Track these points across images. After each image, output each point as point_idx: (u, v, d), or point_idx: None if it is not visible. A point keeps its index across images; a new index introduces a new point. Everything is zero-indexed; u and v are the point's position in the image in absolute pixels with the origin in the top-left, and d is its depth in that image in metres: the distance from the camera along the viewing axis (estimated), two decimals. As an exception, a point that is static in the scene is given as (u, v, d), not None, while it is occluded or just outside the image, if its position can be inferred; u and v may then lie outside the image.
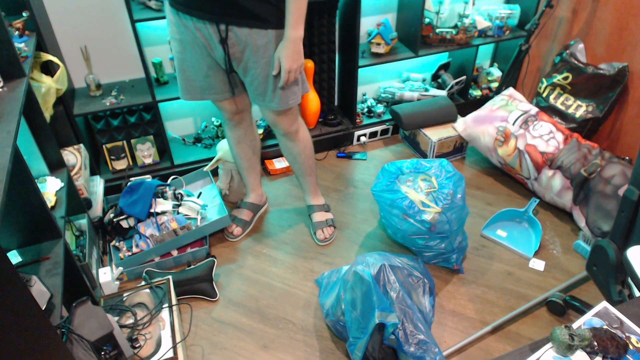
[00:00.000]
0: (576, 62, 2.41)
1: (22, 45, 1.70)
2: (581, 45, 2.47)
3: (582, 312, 1.69)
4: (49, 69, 1.91)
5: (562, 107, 2.48)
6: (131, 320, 1.58)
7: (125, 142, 2.34)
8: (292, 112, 1.83)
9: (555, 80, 2.50)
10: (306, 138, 1.98)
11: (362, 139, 2.77)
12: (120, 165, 2.37)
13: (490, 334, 1.76)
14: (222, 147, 2.23)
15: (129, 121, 2.30)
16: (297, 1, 1.49)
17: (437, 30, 2.60)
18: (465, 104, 2.90)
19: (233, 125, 1.97)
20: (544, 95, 2.55)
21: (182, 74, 1.74)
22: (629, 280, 1.47)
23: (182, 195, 2.16)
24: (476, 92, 2.96)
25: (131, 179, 2.30)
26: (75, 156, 2.03)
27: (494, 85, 2.98)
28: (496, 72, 2.97)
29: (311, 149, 2.02)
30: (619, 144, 2.40)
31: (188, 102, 2.45)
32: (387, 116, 2.81)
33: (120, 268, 1.92)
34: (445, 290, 1.93)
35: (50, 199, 1.65)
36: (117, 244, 2.06)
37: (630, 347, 0.96)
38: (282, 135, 1.92)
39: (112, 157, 2.35)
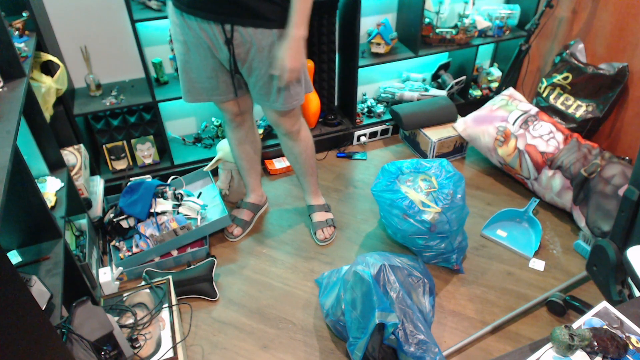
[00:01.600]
0: (576, 62, 2.41)
1: (22, 45, 1.70)
2: (581, 45, 2.47)
3: (582, 312, 1.69)
4: (49, 69, 1.91)
5: (562, 107, 2.48)
6: (131, 320, 1.57)
7: (125, 142, 2.34)
8: (294, 113, 1.83)
9: (555, 80, 2.50)
10: (307, 138, 1.97)
11: (362, 139, 2.77)
12: (120, 165, 2.37)
13: (490, 334, 1.76)
14: (222, 147, 2.23)
15: (129, 121, 2.30)
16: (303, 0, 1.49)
17: (437, 30, 2.60)
18: (465, 104, 2.90)
19: (235, 126, 1.97)
20: (544, 95, 2.55)
21: (185, 75, 1.73)
22: (629, 280, 1.47)
23: (182, 195, 2.16)
24: (476, 92, 2.96)
25: (131, 179, 2.30)
26: (75, 156, 2.03)
27: (494, 85, 2.98)
28: (496, 72, 2.97)
29: (312, 149, 2.02)
30: (619, 144, 2.41)
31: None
32: (387, 116, 2.81)
33: (120, 268, 1.92)
34: (445, 290, 1.93)
35: (50, 199, 1.65)
36: (117, 244, 2.06)
37: (630, 347, 0.96)
38: (283, 135, 1.92)
39: (112, 157, 2.35)
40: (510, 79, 2.72)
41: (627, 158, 2.13)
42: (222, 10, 1.50)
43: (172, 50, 2.33)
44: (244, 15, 1.50)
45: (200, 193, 2.26)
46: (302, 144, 1.96)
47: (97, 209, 2.09)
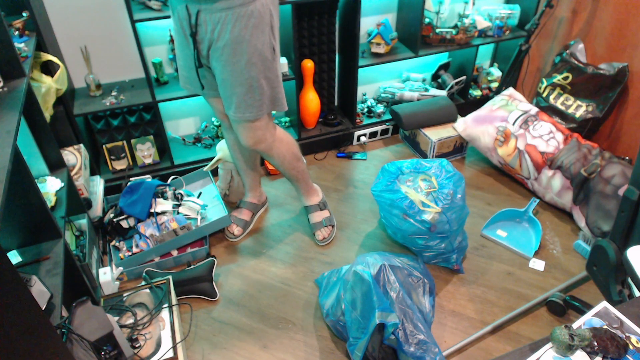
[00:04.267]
0: (576, 62, 2.41)
1: (22, 45, 1.70)
2: (581, 45, 2.47)
3: (582, 312, 1.69)
4: (49, 69, 1.91)
5: (562, 107, 2.48)
6: (131, 320, 1.58)
7: (125, 142, 2.34)
8: (254, 128, 1.72)
9: (555, 80, 2.50)
10: (281, 155, 1.88)
11: (362, 139, 2.77)
12: (120, 165, 2.37)
13: (490, 334, 1.76)
14: (222, 147, 2.23)
15: (129, 121, 2.30)
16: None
17: (437, 30, 2.60)
18: (465, 104, 2.90)
19: (226, 126, 1.94)
20: (544, 95, 2.55)
21: (177, 62, 1.74)
22: (629, 280, 1.47)
23: (182, 195, 2.16)
24: (476, 92, 2.96)
25: (131, 179, 2.30)
26: (75, 156, 2.03)
27: (494, 85, 2.98)
28: (496, 72, 2.97)
29: (292, 161, 1.95)
30: (619, 144, 2.40)
31: (188, 101, 2.46)
32: (387, 116, 2.81)
33: (120, 268, 1.92)
34: (445, 290, 1.93)
35: (50, 199, 1.65)
36: (117, 244, 2.06)
37: (630, 347, 0.96)
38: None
39: (112, 157, 2.35)
40: (510, 79, 2.72)
41: (627, 158, 2.13)
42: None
43: (172, 50, 2.33)
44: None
45: (200, 193, 2.26)
46: (277, 160, 1.90)
47: (97, 209, 2.09)
